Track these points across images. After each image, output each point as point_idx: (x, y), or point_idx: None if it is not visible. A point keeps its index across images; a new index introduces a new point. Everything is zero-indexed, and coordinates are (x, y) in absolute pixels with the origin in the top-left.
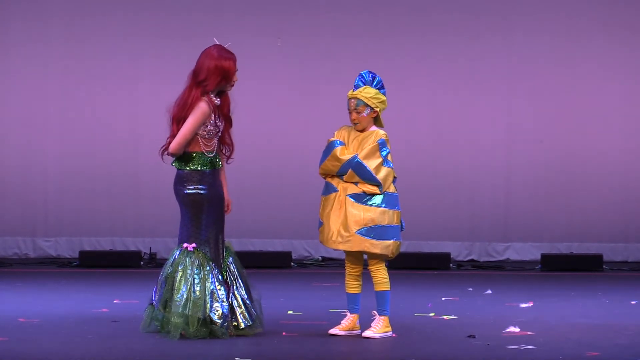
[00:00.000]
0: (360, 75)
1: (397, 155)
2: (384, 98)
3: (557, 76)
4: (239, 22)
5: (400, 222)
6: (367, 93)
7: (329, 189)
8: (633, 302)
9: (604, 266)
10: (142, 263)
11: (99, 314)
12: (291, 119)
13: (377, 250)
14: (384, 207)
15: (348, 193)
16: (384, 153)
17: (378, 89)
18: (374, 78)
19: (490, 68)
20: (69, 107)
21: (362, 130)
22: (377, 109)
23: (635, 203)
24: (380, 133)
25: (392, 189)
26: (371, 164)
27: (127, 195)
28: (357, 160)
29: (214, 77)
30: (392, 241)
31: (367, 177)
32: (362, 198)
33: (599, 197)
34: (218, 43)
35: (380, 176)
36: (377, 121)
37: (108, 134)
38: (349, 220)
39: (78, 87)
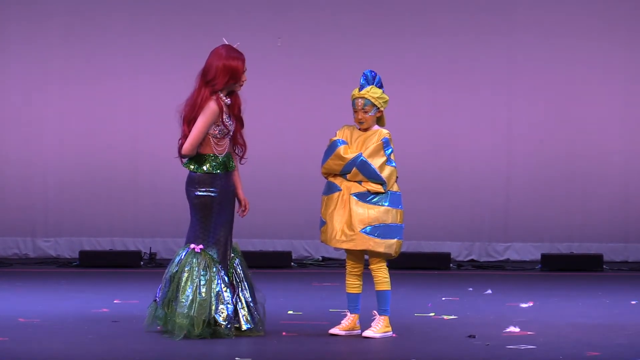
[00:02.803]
0: (364, 74)
1: (397, 155)
2: (387, 98)
3: (558, 76)
4: (239, 22)
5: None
6: (374, 93)
7: (331, 188)
8: (633, 302)
9: (604, 266)
10: (142, 263)
11: (99, 314)
12: (291, 118)
13: (380, 249)
14: (388, 205)
15: (352, 192)
16: (387, 152)
17: (379, 87)
18: (375, 77)
19: (491, 68)
20: (68, 107)
21: (366, 130)
22: (382, 108)
23: (635, 203)
24: (384, 132)
25: (395, 187)
26: (375, 163)
27: (127, 195)
28: (362, 159)
29: (222, 76)
30: (395, 240)
31: (372, 175)
32: (366, 197)
33: (599, 197)
34: (227, 43)
35: (384, 175)
36: (380, 120)
37: (108, 134)
38: (354, 219)
39: (78, 87)
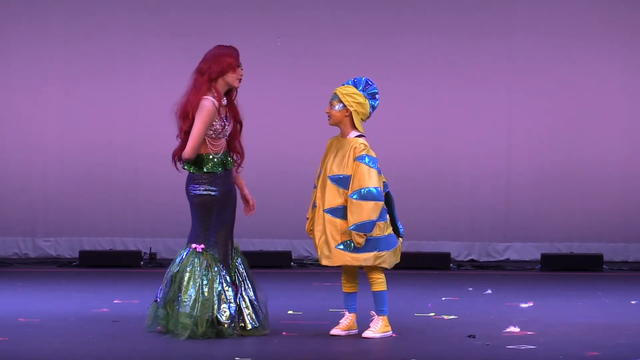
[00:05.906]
0: (357, 77)
1: (397, 155)
2: (362, 100)
3: (558, 76)
4: (239, 21)
5: (398, 228)
6: (345, 90)
7: (314, 205)
8: (633, 302)
9: (604, 266)
10: (142, 263)
11: (99, 314)
12: (291, 118)
13: (359, 263)
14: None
15: (325, 208)
16: (368, 162)
17: (361, 90)
18: (360, 81)
19: (491, 68)
20: (68, 107)
21: (338, 130)
22: (352, 108)
23: (635, 203)
24: (359, 147)
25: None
26: (371, 180)
27: (127, 195)
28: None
29: (216, 64)
30: (373, 253)
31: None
32: (338, 212)
33: (599, 196)
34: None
35: (372, 183)
36: (356, 123)
37: (108, 134)
38: (328, 236)
39: (78, 87)
